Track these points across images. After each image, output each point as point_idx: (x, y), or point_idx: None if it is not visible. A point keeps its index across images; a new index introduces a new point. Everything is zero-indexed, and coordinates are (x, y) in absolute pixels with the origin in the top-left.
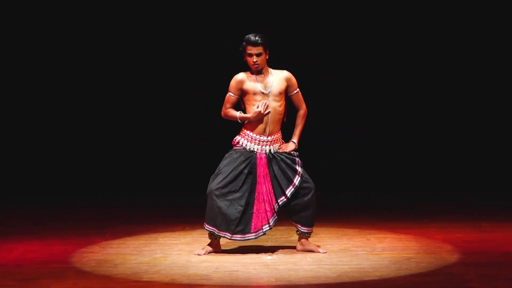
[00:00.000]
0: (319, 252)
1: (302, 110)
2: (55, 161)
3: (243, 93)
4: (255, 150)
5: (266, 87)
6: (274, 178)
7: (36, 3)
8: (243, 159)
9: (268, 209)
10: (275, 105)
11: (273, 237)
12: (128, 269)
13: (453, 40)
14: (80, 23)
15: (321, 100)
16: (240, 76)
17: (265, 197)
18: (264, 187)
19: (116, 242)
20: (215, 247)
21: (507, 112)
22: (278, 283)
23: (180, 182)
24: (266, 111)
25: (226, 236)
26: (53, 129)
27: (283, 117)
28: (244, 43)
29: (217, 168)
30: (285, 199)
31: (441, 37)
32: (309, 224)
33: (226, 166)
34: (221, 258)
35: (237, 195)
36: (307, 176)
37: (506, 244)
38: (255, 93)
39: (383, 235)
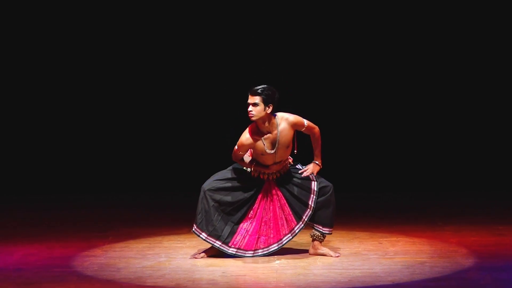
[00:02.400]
0: (331, 256)
1: (316, 134)
2: (55, 159)
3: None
4: (261, 177)
5: (272, 145)
6: (291, 197)
7: (36, 3)
8: (248, 177)
9: (272, 235)
10: (286, 152)
11: None
12: (131, 274)
13: (453, 40)
14: (79, 22)
15: (328, 99)
16: (247, 140)
17: (272, 222)
18: (270, 212)
19: (119, 245)
20: (214, 250)
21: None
22: None
23: (187, 181)
24: None
25: (201, 234)
26: (53, 127)
27: (293, 150)
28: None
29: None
30: (310, 212)
31: (441, 37)
32: (330, 225)
33: (230, 173)
34: (228, 262)
35: (229, 202)
36: (321, 178)
37: None
38: (262, 154)
39: (395, 238)
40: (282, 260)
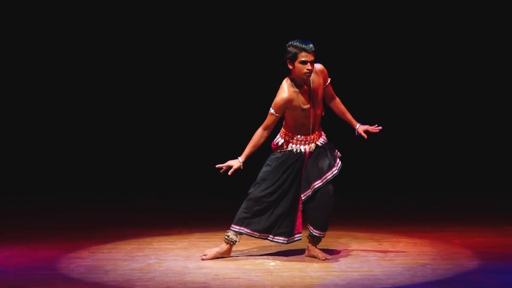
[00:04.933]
0: (319, 258)
1: (337, 98)
2: (40, 159)
3: (286, 110)
4: (303, 150)
5: (308, 99)
6: (305, 171)
7: (36, 3)
8: (291, 161)
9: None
10: (318, 112)
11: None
12: (120, 276)
13: (453, 40)
14: (79, 21)
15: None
16: (288, 95)
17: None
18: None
19: (106, 247)
20: (226, 253)
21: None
22: None
23: (178, 181)
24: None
25: (267, 238)
26: (37, 127)
27: (322, 112)
28: (293, 50)
29: (260, 176)
30: (310, 192)
31: (441, 38)
32: (321, 228)
33: (272, 174)
34: (221, 264)
35: (281, 197)
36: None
37: None
38: (297, 111)
39: (396, 239)
40: (278, 262)
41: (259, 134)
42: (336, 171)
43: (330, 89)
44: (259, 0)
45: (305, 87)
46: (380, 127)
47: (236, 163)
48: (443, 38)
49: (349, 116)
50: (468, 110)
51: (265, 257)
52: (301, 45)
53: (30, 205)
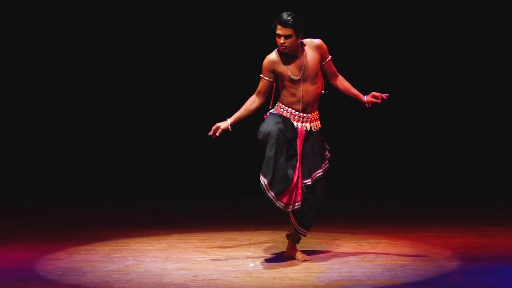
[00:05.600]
0: (298, 259)
1: (340, 76)
2: (17, 160)
3: (276, 77)
4: (295, 126)
5: (300, 71)
6: (305, 156)
7: (36, 3)
8: (288, 122)
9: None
10: (312, 88)
11: (257, 242)
12: (97, 278)
13: (453, 40)
14: (79, 21)
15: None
16: (273, 56)
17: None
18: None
19: (84, 248)
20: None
21: (509, 109)
22: None
23: (155, 182)
24: (217, 134)
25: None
26: (16, 127)
27: (321, 90)
28: (275, 21)
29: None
30: (310, 182)
31: (441, 37)
32: (305, 226)
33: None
34: (199, 265)
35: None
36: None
37: (510, 250)
38: (285, 79)
39: (376, 240)
40: (257, 263)
41: (251, 99)
42: (328, 165)
43: (331, 66)
44: (262, 12)
45: (297, 59)
46: (387, 94)
47: (224, 124)
48: (443, 37)
49: (354, 91)
50: (453, 110)
51: (244, 258)
52: (281, 17)
53: (7, 207)
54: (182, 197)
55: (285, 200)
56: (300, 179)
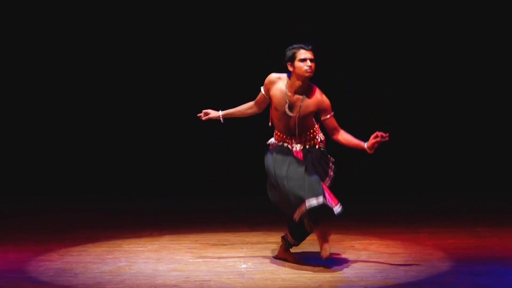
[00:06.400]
0: (290, 262)
1: (341, 130)
2: (9, 160)
3: (270, 98)
4: (287, 146)
5: (295, 107)
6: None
7: (36, 3)
8: (285, 151)
9: None
10: (301, 122)
11: (249, 243)
12: (89, 279)
13: (454, 43)
14: (79, 21)
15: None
16: (275, 78)
17: None
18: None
19: (76, 249)
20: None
21: (500, 109)
22: None
23: (148, 183)
24: (203, 118)
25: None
26: (9, 126)
27: (314, 126)
28: (292, 50)
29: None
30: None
31: (442, 40)
32: (298, 238)
33: (275, 164)
34: (192, 267)
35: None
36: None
37: (503, 250)
38: (276, 109)
39: (368, 241)
40: (249, 264)
41: (249, 104)
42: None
43: (333, 121)
44: (259, 0)
45: (300, 96)
46: (387, 134)
47: (214, 113)
48: (445, 40)
49: (355, 141)
50: (445, 111)
51: (237, 259)
52: (299, 44)
53: (0, 209)
54: (174, 198)
55: (334, 202)
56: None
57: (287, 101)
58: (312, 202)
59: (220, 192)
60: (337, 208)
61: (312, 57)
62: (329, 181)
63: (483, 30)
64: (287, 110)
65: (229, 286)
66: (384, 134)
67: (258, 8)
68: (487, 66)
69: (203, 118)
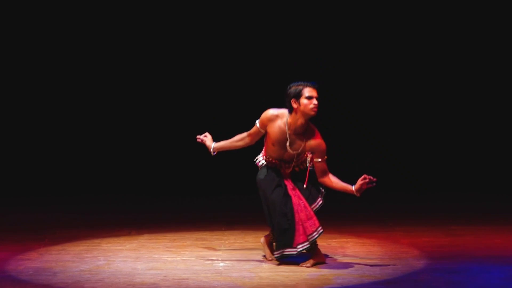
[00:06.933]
0: (266, 259)
1: (329, 173)
2: None
3: (266, 132)
4: (280, 169)
5: (295, 145)
6: (302, 190)
7: (36, 3)
8: (274, 174)
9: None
10: (299, 156)
11: (227, 241)
12: (68, 278)
13: (456, 46)
14: (79, 23)
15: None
16: (274, 115)
17: (303, 210)
18: (296, 199)
19: (55, 248)
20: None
21: (475, 110)
22: None
23: (126, 183)
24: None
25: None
26: None
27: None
28: (297, 88)
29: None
30: (321, 202)
31: (441, 39)
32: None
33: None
34: (170, 265)
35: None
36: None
37: (477, 248)
38: (273, 144)
39: (345, 239)
40: (227, 262)
41: (241, 136)
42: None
43: (324, 165)
44: (262, 6)
45: (300, 135)
46: (375, 179)
47: (209, 142)
48: (446, 42)
49: (342, 184)
50: (420, 110)
51: (215, 258)
52: (304, 82)
53: None
54: (152, 197)
55: (300, 240)
56: (303, 213)
57: (288, 139)
58: (277, 255)
59: (198, 191)
60: (299, 247)
61: (317, 95)
62: (321, 199)
63: (483, 32)
64: (288, 148)
65: (207, 284)
66: (372, 178)
67: (251, 14)
68: (486, 70)
69: (198, 140)
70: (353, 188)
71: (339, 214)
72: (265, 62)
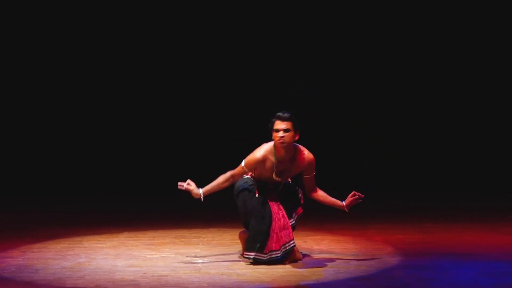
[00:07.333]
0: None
1: (318, 189)
2: None
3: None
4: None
5: (282, 173)
6: (284, 199)
7: (36, 3)
8: (252, 185)
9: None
10: (284, 181)
11: (205, 239)
12: (50, 275)
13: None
14: (79, 23)
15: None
16: (262, 157)
17: (280, 218)
18: (275, 207)
19: (37, 246)
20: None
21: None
22: None
23: (106, 181)
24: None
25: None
26: None
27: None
28: (272, 119)
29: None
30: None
31: (440, 39)
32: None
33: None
34: (149, 262)
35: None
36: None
37: (449, 245)
38: (261, 175)
39: (320, 236)
40: (205, 259)
41: (225, 177)
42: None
43: (313, 181)
44: (262, 6)
45: (286, 164)
46: (361, 195)
47: (196, 190)
48: (446, 42)
49: (331, 198)
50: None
51: (193, 255)
52: (277, 114)
53: None
54: (132, 195)
55: (272, 247)
56: (281, 222)
57: (275, 169)
58: (248, 257)
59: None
60: (271, 255)
61: (287, 127)
62: (302, 208)
63: (483, 32)
64: (275, 177)
65: (186, 281)
66: (361, 195)
67: (245, 17)
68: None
69: (183, 188)
70: (343, 203)
71: (314, 212)
72: (265, 62)
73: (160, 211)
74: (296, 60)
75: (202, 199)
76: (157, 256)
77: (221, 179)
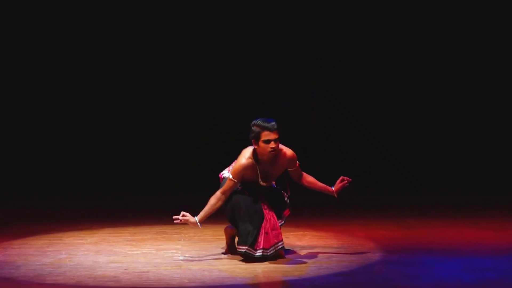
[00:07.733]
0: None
1: (304, 173)
2: None
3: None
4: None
5: (267, 177)
6: (271, 202)
7: (36, 3)
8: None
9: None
10: (270, 184)
11: (186, 235)
12: (30, 271)
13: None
14: (79, 23)
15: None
16: (247, 162)
17: (271, 219)
18: (266, 207)
19: (17, 242)
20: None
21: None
22: (191, 284)
23: (87, 179)
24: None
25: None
26: None
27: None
28: (256, 129)
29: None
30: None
31: (439, 38)
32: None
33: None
34: (131, 258)
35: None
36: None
37: (431, 241)
38: (252, 177)
39: (302, 232)
40: (187, 255)
41: (216, 197)
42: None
43: (298, 170)
44: (262, 6)
45: (269, 166)
46: (349, 179)
47: (192, 219)
48: (445, 42)
49: (320, 184)
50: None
51: (174, 251)
52: (263, 124)
53: None
54: (113, 192)
55: (261, 246)
56: (271, 222)
57: (259, 174)
58: (240, 251)
59: (158, 186)
60: (259, 252)
61: (277, 136)
62: (289, 210)
63: (483, 32)
64: (261, 182)
65: (167, 277)
66: (349, 179)
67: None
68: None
69: (180, 220)
70: (332, 188)
71: (296, 207)
72: (265, 62)
73: (141, 207)
74: (296, 60)
75: (200, 227)
76: (138, 252)
77: (212, 200)
